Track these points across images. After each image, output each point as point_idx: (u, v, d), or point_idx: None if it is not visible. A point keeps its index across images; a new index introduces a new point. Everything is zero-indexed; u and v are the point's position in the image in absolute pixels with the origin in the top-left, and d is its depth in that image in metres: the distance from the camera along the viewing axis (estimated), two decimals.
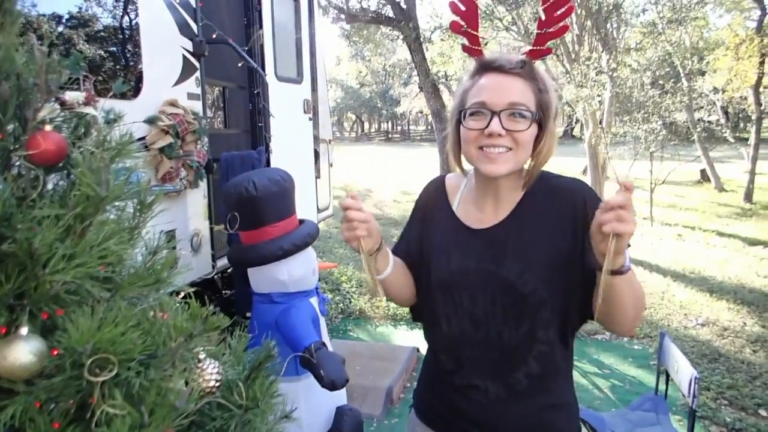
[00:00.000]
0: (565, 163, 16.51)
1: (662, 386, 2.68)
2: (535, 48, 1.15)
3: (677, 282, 6.25)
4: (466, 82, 1.21)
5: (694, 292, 5.92)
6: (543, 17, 1.12)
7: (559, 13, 1.11)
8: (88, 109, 0.96)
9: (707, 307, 5.42)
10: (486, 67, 1.17)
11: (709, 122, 13.63)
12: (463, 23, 1.17)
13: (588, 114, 10.07)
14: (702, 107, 13.15)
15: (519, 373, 1.22)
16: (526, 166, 1.23)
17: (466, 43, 1.18)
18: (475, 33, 1.17)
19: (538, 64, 1.20)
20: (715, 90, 13.83)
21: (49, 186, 0.90)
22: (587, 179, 10.76)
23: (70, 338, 0.75)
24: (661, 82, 10.32)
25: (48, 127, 0.88)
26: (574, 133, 36.60)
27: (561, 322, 1.21)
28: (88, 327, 0.76)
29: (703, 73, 13.87)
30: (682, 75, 11.81)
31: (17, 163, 0.88)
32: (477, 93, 1.16)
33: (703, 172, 14.88)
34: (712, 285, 6.12)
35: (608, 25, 10.31)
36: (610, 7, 9.57)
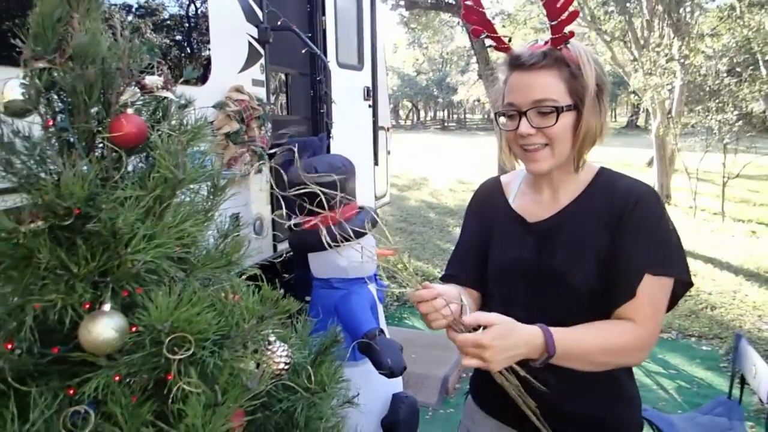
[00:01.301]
0: (629, 155, 15.87)
1: (736, 391, 2.54)
2: (554, 36, 1.13)
3: (750, 281, 5.91)
4: (503, 73, 1.22)
5: None
6: (546, 12, 1.11)
7: (560, 4, 1.09)
8: (166, 94, 0.98)
9: None
10: (512, 64, 1.18)
11: None
12: (481, 29, 1.19)
13: (656, 103, 9.63)
14: None
15: None
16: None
17: (494, 44, 1.21)
18: (496, 35, 1.18)
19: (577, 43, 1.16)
20: None
21: (129, 168, 0.93)
22: (653, 171, 10.33)
23: (150, 316, 0.77)
24: (738, 69, 9.72)
25: (129, 110, 0.90)
26: (638, 123, 35.17)
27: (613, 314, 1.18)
28: (166, 306, 0.78)
29: None
30: (761, 62, 11.08)
31: (100, 145, 0.91)
32: (507, 93, 1.18)
33: None
34: None
35: (681, 10, 9.79)
36: None
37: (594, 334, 1.10)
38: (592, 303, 1.15)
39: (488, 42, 1.20)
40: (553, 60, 1.13)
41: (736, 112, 8.93)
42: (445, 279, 1.38)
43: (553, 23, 1.11)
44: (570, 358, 1.07)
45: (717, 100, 9.08)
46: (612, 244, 1.14)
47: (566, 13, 1.09)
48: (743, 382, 2.49)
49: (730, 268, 6.38)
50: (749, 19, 9.61)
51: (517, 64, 1.16)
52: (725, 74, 9.38)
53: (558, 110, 1.11)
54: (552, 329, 1.05)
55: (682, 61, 9.16)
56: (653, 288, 1.11)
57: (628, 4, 10.33)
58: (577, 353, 1.08)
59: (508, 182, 1.38)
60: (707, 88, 9.25)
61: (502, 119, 1.20)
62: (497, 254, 1.28)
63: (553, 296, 1.19)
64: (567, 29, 1.11)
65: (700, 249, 7.05)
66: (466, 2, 1.15)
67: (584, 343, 1.09)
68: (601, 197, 1.20)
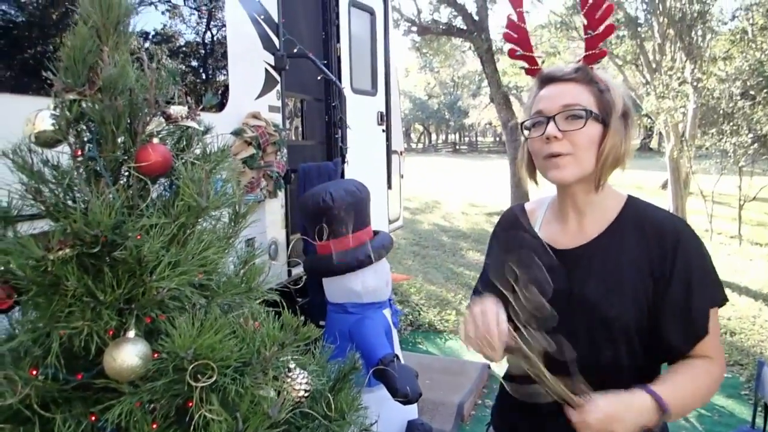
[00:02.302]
0: (642, 177, 15.78)
1: (759, 419, 2.48)
2: (588, 53, 1.15)
3: None
4: (529, 100, 1.23)
5: None
6: (585, 22, 1.13)
7: (599, 14, 1.12)
8: (191, 123, 1.00)
9: None
10: (544, 80, 1.19)
11: None
12: (518, 49, 1.21)
13: (669, 126, 9.60)
14: None
15: None
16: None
17: (527, 65, 1.22)
18: (531, 54, 1.20)
19: (602, 69, 1.19)
20: None
21: (154, 195, 0.95)
22: (668, 194, 10.25)
23: (173, 343, 0.78)
24: (752, 92, 9.68)
25: (155, 140, 0.92)
26: (651, 146, 35.01)
27: (648, 354, 1.16)
28: (189, 333, 0.79)
29: None
30: None
31: (126, 174, 0.93)
32: (536, 104, 1.18)
33: None
34: None
35: (693, 33, 9.81)
36: (695, 15, 9.11)
37: (691, 380, 1.11)
38: (621, 337, 1.14)
39: (510, 63, 1.23)
40: (584, 75, 1.15)
41: (750, 135, 8.88)
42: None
43: (589, 35, 1.13)
44: (680, 412, 1.07)
45: (731, 123, 9.04)
46: (660, 290, 1.13)
47: (603, 27, 1.11)
48: (767, 410, 2.43)
49: (749, 293, 6.27)
50: (761, 42, 9.61)
51: (548, 78, 1.17)
52: (739, 97, 9.34)
53: (587, 114, 1.11)
54: (653, 387, 1.05)
55: (695, 84, 9.15)
56: (714, 321, 1.13)
57: (639, 29, 10.39)
58: (685, 405, 1.08)
59: (533, 209, 1.36)
60: (721, 111, 9.22)
61: (527, 131, 1.20)
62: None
63: (581, 327, 1.16)
64: (600, 47, 1.14)
65: (718, 273, 6.94)
66: (510, 18, 1.17)
67: (688, 391, 1.09)
68: (633, 233, 1.18)
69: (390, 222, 4.50)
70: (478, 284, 1.38)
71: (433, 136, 52.06)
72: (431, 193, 15.12)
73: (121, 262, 0.79)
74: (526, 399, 1.12)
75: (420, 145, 49.35)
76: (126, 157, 0.91)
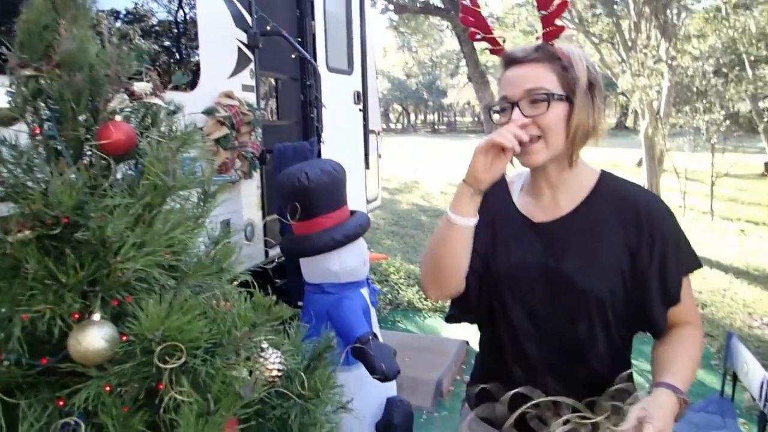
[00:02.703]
0: (618, 155, 15.97)
1: (728, 388, 2.56)
2: (545, 30, 1.15)
3: (740, 279, 5.97)
4: (498, 74, 1.23)
5: (758, 290, 5.63)
6: (536, 3, 1.13)
7: None
8: (155, 100, 0.97)
9: None
10: (507, 61, 1.19)
11: None
12: (478, 31, 1.20)
13: (644, 104, 9.71)
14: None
15: (579, 371, 1.20)
16: None
17: (490, 46, 1.22)
18: (491, 36, 1.19)
19: (566, 41, 1.18)
20: None
21: (118, 175, 0.92)
22: (643, 171, 10.40)
23: (140, 325, 0.76)
24: (724, 70, 9.83)
25: (118, 118, 0.90)
26: (627, 124, 35.41)
27: (621, 325, 1.19)
28: (157, 314, 0.77)
29: None
30: (747, 63, 11.20)
31: (89, 153, 0.90)
32: (501, 89, 1.19)
33: (767, 164, 14.12)
34: None
35: (668, 12, 9.88)
36: None
37: (687, 357, 1.16)
38: (596, 309, 1.16)
39: (483, 45, 1.21)
40: (545, 54, 1.14)
41: (723, 112, 9.04)
42: None
43: (542, 13, 1.12)
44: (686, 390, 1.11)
45: (704, 101, 9.19)
46: (635, 261, 1.16)
47: (556, 4, 1.10)
48: (735, 379, 2.50)
49: (720, 267, 6.44)
50: (734, 20, 9.72)
51: (510, 60, 1.17)
52: (712, 75, 9.48)
53: (549, 97, 1.11)
54: (668, 380, 1.08)
55: (669, 62, 9.25)
56: (688, 286, 1.20)
57: (615, 7, 10.42)
58: (689, 382, 1.13)
59: (512, 182, 1.36)
60: (694, 89, 9.36)
61: (496, 116, 1.21)
62: (502, 255, 1.25)
63: (559, 299, 1.18)
64: (557, 22, 1.13)
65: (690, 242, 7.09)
66: (464, 3, 1.15)
67: (691, 369, 1.15)
68: (607, 207, 1.20)
69: (368, 202, 4.49)
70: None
71: (412, 117, 51.92)
72: (410, 174, 15.12)
73: (83, 244, 0.77)
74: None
75: (399, 126, 49.19)
76: (88, 136, 0.88)
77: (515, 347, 1.25)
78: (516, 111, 1.13)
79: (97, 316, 0.77)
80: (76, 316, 0.79)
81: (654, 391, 1.06)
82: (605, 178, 1.24)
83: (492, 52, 1.22)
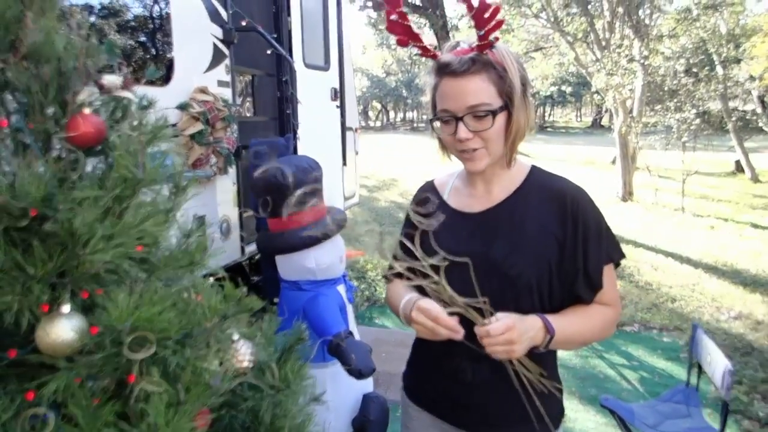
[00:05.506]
0: (593, 153, 16.20)
1: (693, 379, 2.63)
2: (480, 43, 1.17)
3: (709, 274, 6.12)
4: (432, 79, 1.26)
5: (726, 284, 5.78)
6: (474, 23, 1.14)
7: (487, 15, 1.13)
8: (125, 94, 0.97)
9: (740, 300, 5.29)
10: (442, 70, 1.21)
11: (745, 111, 13.24)
12: (406, 39, 1.21)
13: (618, 103, 9.87)
14: (737, 96, 12.77)
15: None
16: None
17: (420, 52, 1.24)
18: (421, 45, 1.22)
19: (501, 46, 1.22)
20: (752, 78, 13.37)
21: (88, 168, 0.92)
22: (617, 169, 10.58)
23: (109, 316, 0.76)
24: (694, 70, 10.04)
25: (87, 110, 0.89)
26: (602, 123, 35.92)
27: (547, 308, 1.25)
28: (126, 305, 0.78)
29: (738, 61, 13.41)
30: (716, 63, 11.47)
31: (58, 146, 0.90)
32: (441, 100, 1.23)
33: (737, 162, 14.46)
34: (746, 278, 5.97)
35: (640, 12, 10.06)
36: None
37: (581, 318, 1.23)
38: (525, 293, 1.22)
39: (415, 51, 1.23)
40: (481, 65, 1.18)
41: (693, 111, 9.23)
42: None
43: (480, 33, 1.15)
44: (565, 340, 1.19)
45: (675, 100, 9.38)
46: (561, 249, 1.23)
47: (493, 22, 1.13)
48: (700, 370, 2.58)
49: (690, 262, 6.59)
50: (705, 21, 9.94)
51: (447, 71, 1.20)
52: (683, 74, 9.68)
53: (493, 114, 1.17)
54: (546, 315, 1.18)
55: (642, 61, 9.42)
56: (610, 274, 1.26)
57: (589, 6, 10.57)
58: (571, 335, 1.20)
59: (441, 183, 1.45)
60: (666, 88, 9.54)
61: (437, 124, 1.26)
62: (436, 244, 1.27)
63: (489, 285, 1.20)
64: (492, 36, 1.15)
65: (662, 244, 7.26)
66: (390, 18, 1.17)
67: (576, 325, 1.21)
68: (536, 198, 1.27)
69: (345, 199, 4.50)
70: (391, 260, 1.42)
71: (391, 114, 51.92)
72: (389, 171, 15.13)
73: (52, 236, 0.77)
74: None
75: (378, 123, 49.15)
76: (56, 129, 0.88)
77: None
78: (461, 127, 1.18)
79: (66, 308, 0.78)
80: (45, 308, 0.79)
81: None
82: (535, 171, 1.32)
83: (423, 55, 1.24)
